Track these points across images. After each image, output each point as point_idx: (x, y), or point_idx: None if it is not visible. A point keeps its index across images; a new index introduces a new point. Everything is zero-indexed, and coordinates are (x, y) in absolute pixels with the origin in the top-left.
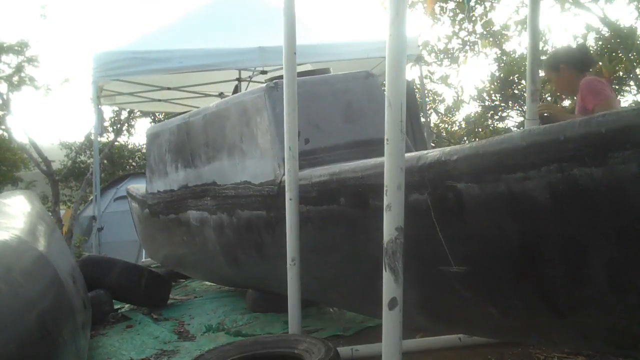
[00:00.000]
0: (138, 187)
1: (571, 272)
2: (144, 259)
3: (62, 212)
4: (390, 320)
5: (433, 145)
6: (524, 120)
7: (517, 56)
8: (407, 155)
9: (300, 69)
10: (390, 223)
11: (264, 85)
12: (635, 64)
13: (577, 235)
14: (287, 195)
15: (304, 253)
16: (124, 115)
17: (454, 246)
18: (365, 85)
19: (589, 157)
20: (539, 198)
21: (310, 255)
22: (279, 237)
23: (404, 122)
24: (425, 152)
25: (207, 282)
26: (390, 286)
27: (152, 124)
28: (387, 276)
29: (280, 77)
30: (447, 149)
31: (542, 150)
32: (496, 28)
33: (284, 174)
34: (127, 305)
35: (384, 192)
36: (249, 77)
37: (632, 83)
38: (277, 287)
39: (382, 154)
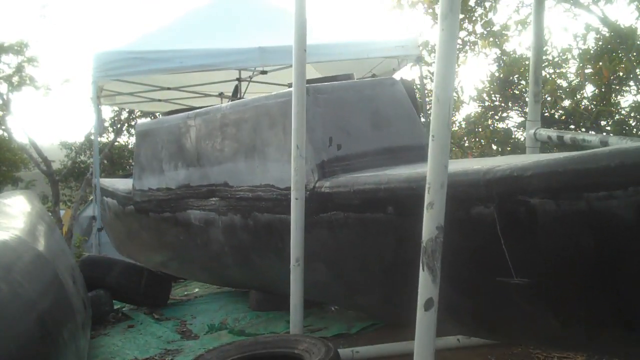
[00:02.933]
0: (112, 181)
1: None
2: None
3: (62, 212)
4: (424, 321)
5: None
6: (524, 121)
7: (517, 56)
8: (472, 168)
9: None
10: (431, 221)
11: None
12: (635, 64)
13: None
14: (293, 195)
15: (337, 258)
16: (124, 115)
17: (519, 259)
18: (391, 92)
19: None
20: (624, 217)
21: (343, 260)
22: (308, 241)
23: (450, 119)
24: (492, 165)
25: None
26: (427, 286)
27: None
28: (424, 276)
29: (310, 81)
30: (520, 164)
31: (630, 172)
32: (496, 28)
33: (317, 179)
34: (127, 305)
35: (426, 189)
36: (249, 77)
37: (632, 83)
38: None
39: (408, 161)
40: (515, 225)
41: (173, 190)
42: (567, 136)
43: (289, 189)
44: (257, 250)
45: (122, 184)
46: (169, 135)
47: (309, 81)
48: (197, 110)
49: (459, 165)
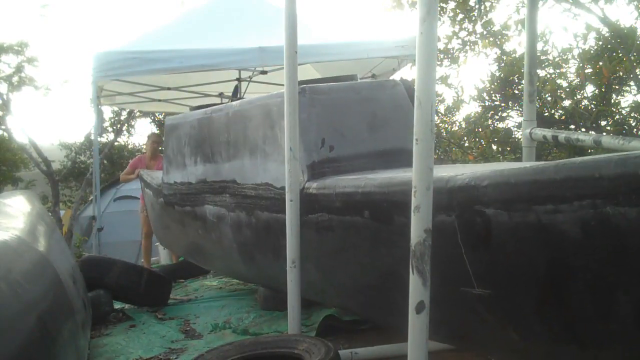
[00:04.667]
0: (150, 172)
1: (597, 306)
2: (143, 259)
3: (62, 213)
4: (417, 324)
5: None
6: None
7: (517, 56)
8: (437, 176)
9: (300, 69)
10: (419, 224)
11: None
12: (635, 64)
13: (605, 271)
14: (287, 197)
15: (324, 259)
16: (124, 115)
17: (478, 269)
18: (392, 94)
19: (623, 196)
20: (570, 232)
21: (329, 262)
22: (300, 241)
23: (434, 122)
24: (454, 174)
25: (207, 282)
26: (417, 289)
27: (152, 122)
28: (414, 279)
29: (308, 82)
30: (478, 173)
31: (576, 186)
32: (496, 28)
33: (307, 180)
34: (127, 305)
35: (412, 193)
36: (249, 77)
37: (632, 83)
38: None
39: (402, 165)
40: (473, 235)
41: (193, 184)
42: (562, 136)
43: (284, 188)
44: (258, 248)
45: (156, 175)
46: (191, 130)
47: (312, 81)
48: (214, 106)
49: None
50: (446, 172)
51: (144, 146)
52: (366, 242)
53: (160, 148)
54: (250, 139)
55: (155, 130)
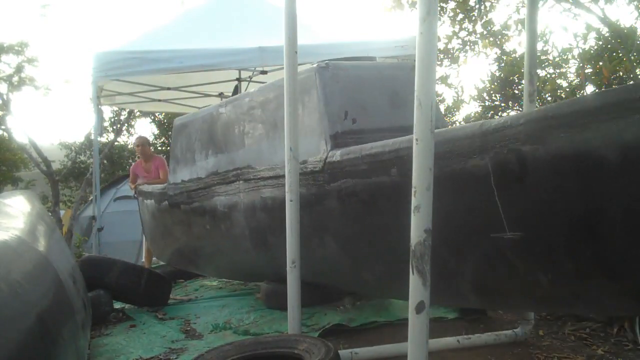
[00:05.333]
0: (150, 184)
1: (633, 235)
2: (143, 259)
3: (62, 213)
4: (417, 324)
5: None
6: None
7: (517, 56)
8: (468, 124)
9: (300, 69)
10: (419, 225)
11: (315, 65)
12: (635, 64)
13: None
14: (288, 197)
15: (343, 229)
16: (124, 115)
17: (511, 212)
18: (412, 75)
19: None
20: (609, 158)
21: (352, 233)
22: (319, 214)
23: (434, 122)
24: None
25: (207, 282)
26: (417, 289)
27: (152, 122)
28: (414, 279)
29: (333, 60)
30: (513, 115)
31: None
32: (496, 28)
33: (330, 149)
34: (127, 305)
35: (412, 193)
36: (249, 77)
37: (632, 83)
38: (305, 274)
39: None
40: (507, 175)
41: (203, 179)
42: None
43: (306, 163)
44: (274, 229)
45: (159, 185)
46: (202, 125)
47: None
48: (228, 98)
49: None
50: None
51: (136, 152)
52: (395, 203)
53: (151, 148)
54: (269, 120)
55: (154, 130)
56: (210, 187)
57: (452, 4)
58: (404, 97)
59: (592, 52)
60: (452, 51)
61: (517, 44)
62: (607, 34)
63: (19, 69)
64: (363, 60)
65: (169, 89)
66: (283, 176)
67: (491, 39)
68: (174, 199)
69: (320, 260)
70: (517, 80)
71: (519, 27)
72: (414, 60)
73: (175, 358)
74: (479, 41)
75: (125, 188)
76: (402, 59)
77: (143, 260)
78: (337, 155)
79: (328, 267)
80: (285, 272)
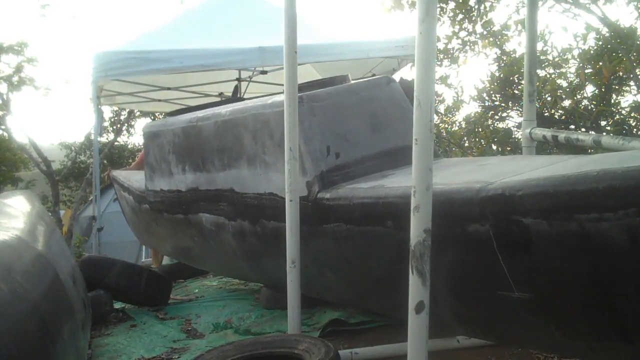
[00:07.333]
0: (125, 174)
1: None
2: (143, 259)
3: (62, 213)
4: (416, 324)
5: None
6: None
7: (517, 56)
8: (465, 185)
9: (300, 69)
10: (418, 225)
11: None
12: (635, 64)
13: None
14: (287, 197)
15: (340, 265)
16: (124, 115)
17: (518, 275)
18: (388, 91)
19: None
20: (616, 239)
21: (349, 270)
22: (311, 250)
23: (433, 123)
24: (484, 182)
25: (207, 282)
26: (417, 289)
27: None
28: (414, 279)
29: (303, 85)
30: (510, 182)
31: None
32: (496, 28)
33: (319, 190)
34: (127, 305)
35: (412, 193)
36: (249, 77)
37: (632, 83)
38: (305, 291)
39: (408, 163)
40: (511, 243)
41: (183, 192)
42: (562, 135)
43: None
44: (267, 255)
45: (136, 179)
46: (174, 138)
47: (304, 84)
48: (199, 114)
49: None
50: (463, 169)
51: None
52: (389, 250)
53: None
54: (247, 147)
55: None
56: (194, 202)
57: (451, 4)
58: (384, 118)
59: (591, 52)
60: (451, 51)
61: (517, 44)
62: (607, 34)
63: (18, 69)
64: (336, 82)
65: (169, 89)
66: (272, 207)
67: (491, 39)
68: (155, 205)
69: (322, 286)
70: (517, 80)
71: (519, 27)
72: (394, 71)
73: (177, 358)
74: (479, 41)
75: None
76: (402, 59)
77: (143, 260)
78: (326, 197)
79: (329, 292)
80: (283, 285)
